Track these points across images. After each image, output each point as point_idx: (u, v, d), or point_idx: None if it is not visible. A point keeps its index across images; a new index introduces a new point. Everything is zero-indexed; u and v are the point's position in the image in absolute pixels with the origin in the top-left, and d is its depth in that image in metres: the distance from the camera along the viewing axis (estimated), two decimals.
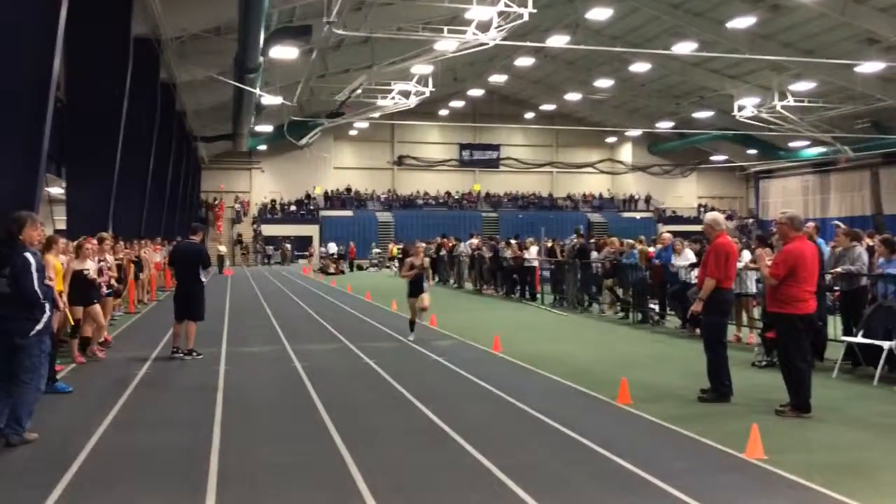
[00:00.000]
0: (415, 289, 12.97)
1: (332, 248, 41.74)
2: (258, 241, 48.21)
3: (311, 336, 13.91)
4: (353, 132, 50.89)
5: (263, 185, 51.57)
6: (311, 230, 49.02)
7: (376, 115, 40.43)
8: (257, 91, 26.59)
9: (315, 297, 23.15)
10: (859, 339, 9.47)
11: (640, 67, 37.53)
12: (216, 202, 49.98)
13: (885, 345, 8.99)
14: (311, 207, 51.07)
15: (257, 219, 49.90)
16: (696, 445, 6.47)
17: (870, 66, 31.53)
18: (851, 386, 9.05)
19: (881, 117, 39.61)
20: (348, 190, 53.00)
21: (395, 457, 6.27)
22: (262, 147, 47.99)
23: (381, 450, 6.46)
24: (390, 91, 37.08)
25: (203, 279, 11.49)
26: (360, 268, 41.93)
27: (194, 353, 11.20)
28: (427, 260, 13.49)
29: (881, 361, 8.99)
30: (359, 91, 36.74)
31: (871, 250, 11.05)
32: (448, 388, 9.19)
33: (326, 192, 52.13)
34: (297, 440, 6.82)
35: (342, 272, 37.87)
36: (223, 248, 40.46)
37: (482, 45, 25.43)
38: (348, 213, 50.74)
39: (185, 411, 7.98)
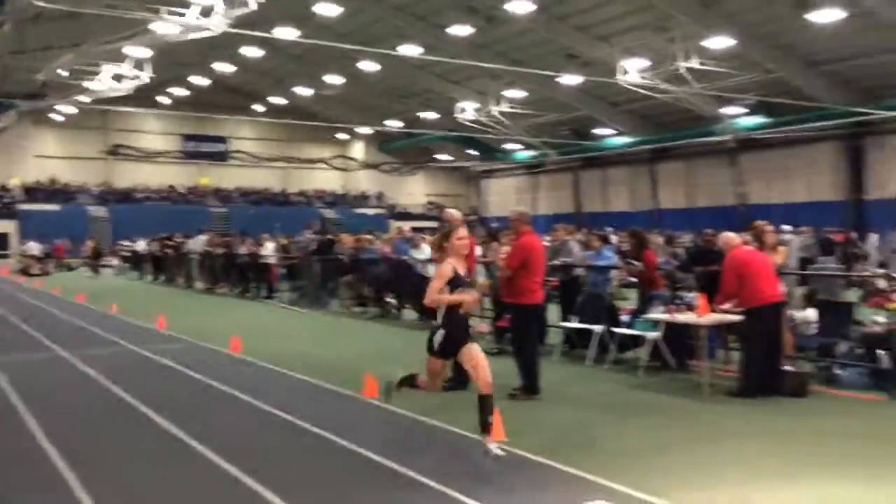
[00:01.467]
0: (454, 337, 6.04)
1: (35, 246, 37.01)
2: None
3: (14, 345, 12.22)
4: (58, 117, 45.51)
5: None
6: (8, 226, 43.10)
7: (87, 99, 36.54)
8: None
9: (17, 300, 20.39)
10: (575, 324, 10.49)
11: (368, 66, 38.19)
12: None
13: (596, 328, 10.04)
14: (7, 200, 44.89)
15: None
16: (447, 435, 6.67)
17: (570, 79, 35.23)
18: (570, 367, 9.97)
19: (580, 125, 44.42)
20: (53, 181, 47.43)
21: (130, 474, 5.69)
22: None
23: (113, 468, 5.83)
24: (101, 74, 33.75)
25: None
26: (69, 268, 37.79)
27: None
28: (484, 282, 6.85)
29: (593, 344, 10.04)
30: (65, 73, 32.97)
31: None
32: (184, 394, 8.57)
33: (25, 184, 46.18)
34: (5, 464, 5.90)
35: (48, 273, 33.89)
36: None
37: (205, 29, 24.07)
38: (54, 207, 45.32)
39: None
